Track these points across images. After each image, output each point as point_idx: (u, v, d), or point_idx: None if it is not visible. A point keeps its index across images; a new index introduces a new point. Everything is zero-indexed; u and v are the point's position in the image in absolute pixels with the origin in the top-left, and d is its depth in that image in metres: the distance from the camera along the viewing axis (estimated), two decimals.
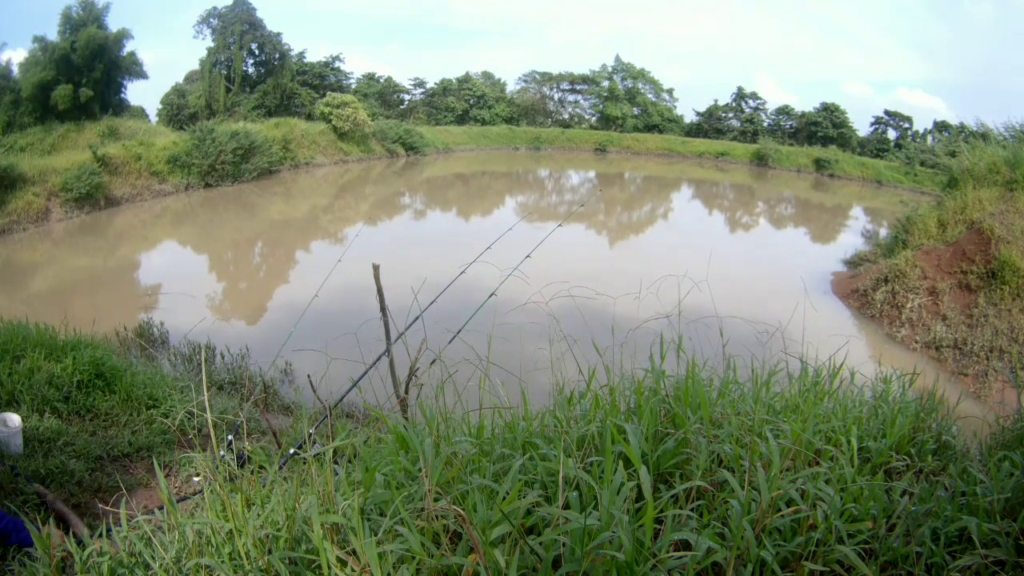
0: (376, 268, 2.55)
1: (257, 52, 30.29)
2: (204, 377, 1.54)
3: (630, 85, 40.26)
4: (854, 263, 11.46)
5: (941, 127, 36.65)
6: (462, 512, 0.94)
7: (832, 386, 1.98)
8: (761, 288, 8.37)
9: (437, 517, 1.08)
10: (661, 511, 1.10)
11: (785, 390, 1.88)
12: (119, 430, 3.14)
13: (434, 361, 1.97)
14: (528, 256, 2.47)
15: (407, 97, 39.83)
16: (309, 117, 27.26)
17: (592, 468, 1.25)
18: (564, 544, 1.03)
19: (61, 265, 10.91)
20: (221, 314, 8.12)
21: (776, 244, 16.71)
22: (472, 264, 2.52)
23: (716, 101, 41.07)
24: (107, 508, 2.41)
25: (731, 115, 40.65)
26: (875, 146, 37.28)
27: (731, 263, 10.51)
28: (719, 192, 27.23)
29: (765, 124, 39.89)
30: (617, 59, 40.53)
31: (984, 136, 13.37)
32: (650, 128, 39.71)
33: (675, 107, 41.71)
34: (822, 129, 37.42)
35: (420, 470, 1.20)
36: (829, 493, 1.19)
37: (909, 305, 8.26)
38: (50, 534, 1.49)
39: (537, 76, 41.77)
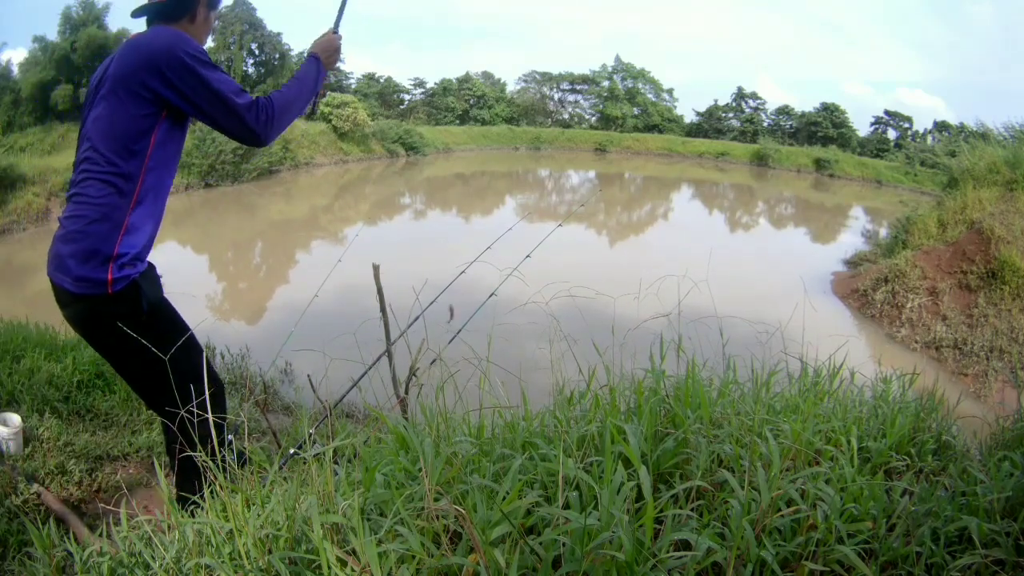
0: (376, 268, 2.55)
1: (257, 52, 30.28)
2: (204, 377, 1.54)
3: (630, 85, 40.30)
4: (854, 263, 11.45)
5: (941, 127, 36.69)
6: (462, 512, 0.94)
7: (832, 386, 1.98)
8: (761, 288, 8.37)
9: (437, 517, 1.08)
10: (661, 511, 1.10)
11: (785, 390, 1.88)
12: (119, 430, 3.14)
13: (434, 361, 1.97)
14: (528, 256, 2.47)
15: (407, 97, 39.84)
16: (309, 117, 27.24)
17: (592, 468, 1.25)
18: (564, 544, 1.03)
19: None
20: (221, 314, 8.11)
21: (776, 244, 16.71)
22: (472, 264, 2.52)
23: (716, 101, 41.14)
24: (107, 508, 2.41)
25: (731, 115, 40.68)
26: (875, 146, 37.30)
27: (731, 263, 10.51)
28: (719, 192, 27.22)
29: (765, 124, 39.93)
30: (617, 59, 40.59)
31: (984, 136, 13.36)
32: (650, 128, 39.73)
33: (675, 107, 41.79)
34: (822, 129, 37.44)
35: (420, 470, 1.20)
36: (829, 493, 1.19)
37: (909, 305, 8.26)
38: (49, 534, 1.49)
39: (537, 76, 41.81)
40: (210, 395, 1.59)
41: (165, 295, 1.85)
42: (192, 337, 1.86)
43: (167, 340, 1.72)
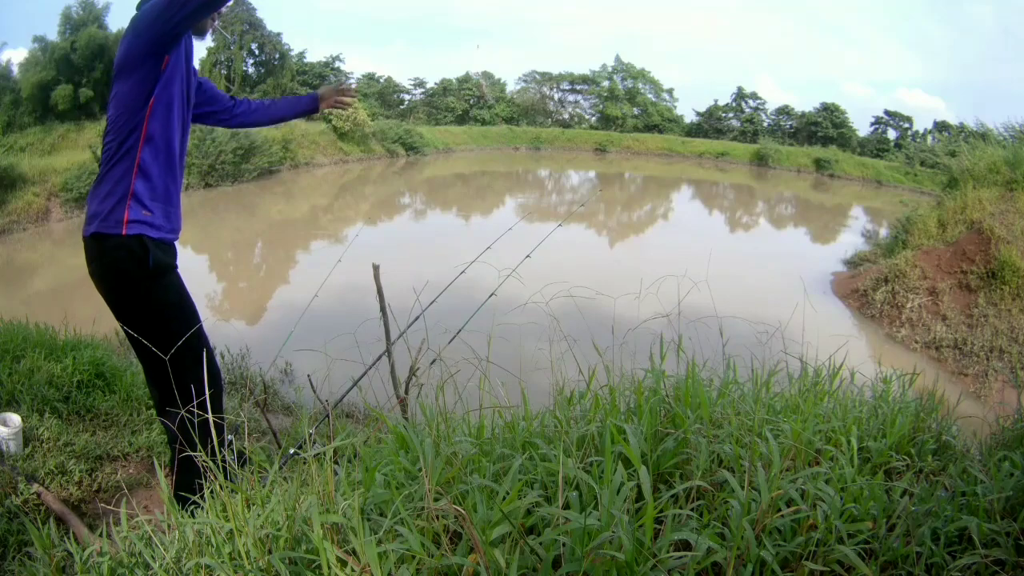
0: (376, 268, 2.55)
1: (257, 52, 30.30)
2: (205, 377, 1.54)
3: (630, 85, 40.28)
4: (854, 263, 11.46)
5: (941, 127, 36.68)
6: (462, 512, 0.94)
7: (832, 386, 1.97)
8: (761, 288, 8.37)
9: (437, 517, 1.08)
10: (661, 511, 1.10)
11: (785, 390, 1.88)
12: (119, 430, 3.14)
13: (434, 361, 1.97)
14: (528, 256, 2.47)
15: (407, 97, 39.84)
16: (309, 117, 27.22)
17: (592, 468, 1.25)
18: (564, 544, 1.03)
19: (61, 265, 10.91)
20: (221, 314, 8.12)
21: (776, 244, 16.71)
22: (472, 264, 2.52)
23: (716, 101, 41.13)
24: (107, 508, 2.41)
25: (731, 115, 40.68)
26: (875, 146, 37.30)
27: (731, 263, 10.51)
28: (719, 192, 27.23)
29: (765, 124, 39.91)
30: (617, 59, 40.57)
31: (984, 136, 13.38)
32: (650, 128, 39.70)
33: (675, 107, 41.77)
34: (822, 129, 37.43)
35: (420, 470, 1.20)
36: (829, 493, 1.19)
37: (909, 305, 8.26)
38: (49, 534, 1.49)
39: (537, 76, 41.79)
40: (210, 395, 1.62)
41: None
42: (201, 330, 1.97)
43: (173, 317, 1.93)
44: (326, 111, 2.40)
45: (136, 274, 1.89)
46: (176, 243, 2.08)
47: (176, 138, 1.94)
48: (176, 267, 2.03)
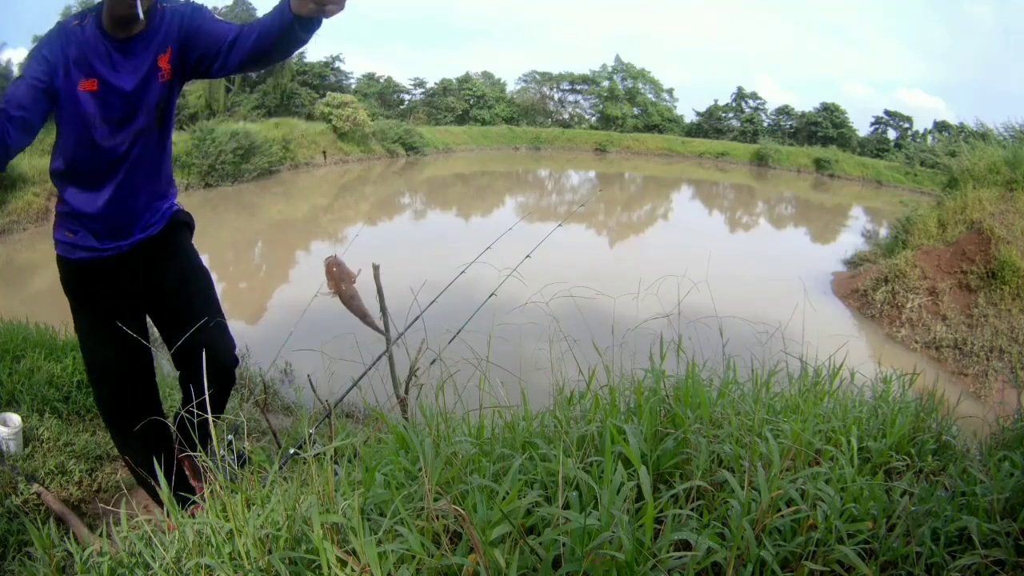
0: (376, 268, 2.54)
1: None
2: (204, 377, 1.54)
3: (630, 85, 40.25)
4: (854, 263, 11.46)
5: (941, 127, 36.67)
6: (462, 512, 0.94)
7: (832, 386, 1.97)
8: (761, 288, 8.37)
9: (437, 517, 1.08)
10: (661, 511, 1.10)
11: (785, 390, 1.88)
12: None
13: (434, 361, 1.97)
14: (528, 256, 2.47)
15: (407, 97, 39.81)
16: (309, 117, 27.23)
17: (592, 468, 1.25)
18: (564, 544, 1.03)
19: None
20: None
21: (776, 244, 16.71)
22: (472, 264, 2.52)
23: (716, 101, 41.09)
24: (107, 508, 2.41)
25: (731, 115, 40.65)
26: (875, 146, 37.29)
27: (731, 263, 10.51)
28: (719, 192, 27.23)
29: (765, 124, 39.88)
30: (617, 59, 40.53)
31: (984, 136, 13.38)
32: (650, 128, 39.67)
33: (675, 107, 41.72)
34: (822, 129, 37.41)
35: (420, 470, 1.20)
36: (829, 493, 1.19)
37: (909, 305, 8.26)
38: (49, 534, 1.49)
39: (537, 76, 41.73)
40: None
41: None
42: (93, 369, 2.14)
43: (85, 351, 2.12)
44: (321, 16, 1.57)
45: (65, 290, 2.01)
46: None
47: (103, 161, 1.82)
48: (107, 293, 1.98)
